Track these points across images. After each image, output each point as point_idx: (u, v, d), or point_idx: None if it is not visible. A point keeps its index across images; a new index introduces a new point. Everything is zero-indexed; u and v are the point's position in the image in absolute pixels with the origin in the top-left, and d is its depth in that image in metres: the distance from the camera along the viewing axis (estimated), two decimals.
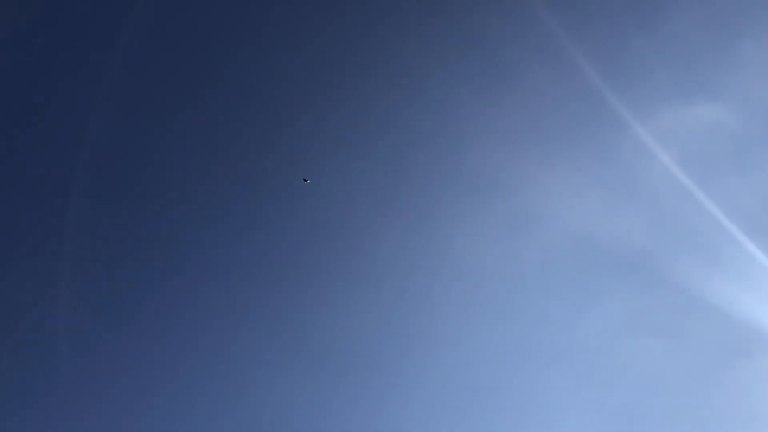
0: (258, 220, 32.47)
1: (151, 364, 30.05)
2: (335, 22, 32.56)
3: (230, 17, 32.01)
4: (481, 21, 32.51)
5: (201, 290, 31.41)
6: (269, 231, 32.53)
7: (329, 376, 30.80)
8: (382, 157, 33.38)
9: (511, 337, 31.86)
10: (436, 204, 33.44)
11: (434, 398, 30.74)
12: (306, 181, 30.36)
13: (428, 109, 33.37)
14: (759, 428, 28.74)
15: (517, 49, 32.63)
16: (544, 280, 32.60)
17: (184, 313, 31.04)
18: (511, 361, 31.61)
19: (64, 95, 30.69)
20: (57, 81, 30.54)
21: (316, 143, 32.85)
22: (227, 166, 32.47)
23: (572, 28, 31.43)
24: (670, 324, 31.18)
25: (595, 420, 30.11)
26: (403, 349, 31.68)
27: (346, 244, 33.13)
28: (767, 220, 30.17)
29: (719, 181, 31.24)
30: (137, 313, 30.64)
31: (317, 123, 32.99)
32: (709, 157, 31.81)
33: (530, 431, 30.35)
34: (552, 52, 32.03)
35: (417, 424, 29.98)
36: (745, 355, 29.82)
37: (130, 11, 30.45)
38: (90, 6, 30.33)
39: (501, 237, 33.10)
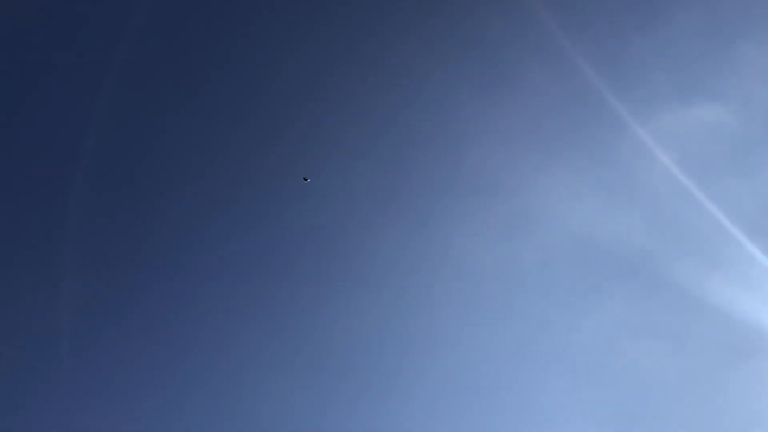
0: (258, 220, 32.58)
1: (150, 365, 30.01)
2: (334, 23, 32.78)
3: (229, 17, 32.21)
4: (480, 21, 32.66)
5: (199, 290, 31.44)
6: (269, 231, 32.63)
7: (328, 377, 30.75)
8: (382, 157, 33.50)
9: (511, 339, 31.84)
10: (436, 205, 33.51)
11: (434, 400, 30.67)
12: (306, 180, 30.32)
13: (428, 110, 33.45)
14: (760, 430, 28.65)
15: (517, 49, 32.81)
16: (544, 281, 32.62)
17: (182, 314, 31.09)
18: (511, 363, 31.59)
19: (66, 96, 30.91)
20: (58, 81, 30.75)
21: (315, 144, 33.00)
22: (227, 166, 32.62)
23: (572, 28, 31.61)
24: (670, 326, 31.12)
25: (595, 422, 29.97)
26: (402, 350, 31.66)
27: (346, 245, 33.17)
28: (767, 221, 30.20)
29: (719, 182, 31.31)
30: (136, 313, 30.64)
31: (316, 123, 33.18)
32: (709, 158, 31.87)
33: None
34: (552, 53, 32.20)
35: (417, 426, 29.88)
36: (746, 357, 29.72)
37: (128, 12, 30.62)
38: (89, 6, 30.50)
39: (501, 238, 33.12)
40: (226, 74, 32.56)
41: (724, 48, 32.07)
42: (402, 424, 29.91)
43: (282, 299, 31.87)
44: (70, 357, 28.92)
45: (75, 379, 28.96)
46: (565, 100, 32.75)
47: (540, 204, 33.06)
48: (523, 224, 33.10)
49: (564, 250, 32.75)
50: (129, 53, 30.88)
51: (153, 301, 30.85)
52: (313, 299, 31.95)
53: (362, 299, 32.14)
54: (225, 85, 32.65)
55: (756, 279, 29.65)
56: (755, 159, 31.71)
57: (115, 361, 29.69)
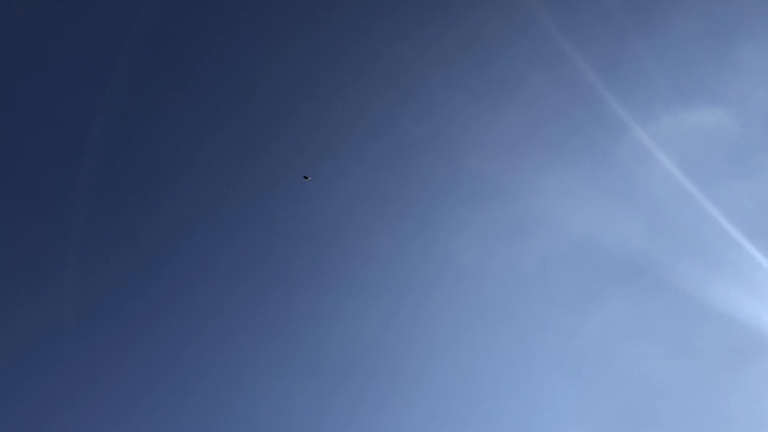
0: (257, 224, 32.53)
1: (150, 368, 29.97)
2: (332, 26, 32.81)
3: (228, 20, 32.22)
4: (479, 23, 32.68)
5: (197, 293, 31.42)
6: (268, 235, 32.58)
7: (328, 381, 30.66)
8: (381, 161, 33.47)
9: (513, 342, 31.84)
10: (436, 208, 33.52)
11: (435, 403, 30.56)
12: (307, 178, 30.29)
13: (426, 113, 33.51)
14: None
15: (517, 52, 32.80)
16: (545, 285, 32.63)
17: (181, 317, 31.00)
18: (512, 366, 31.58)
19: (66, 97, 31.04)
20: (59, 82, 30.84)
21: (313, 147, 32.96)
22: (225, 170, 32.61)
23: (572, 31, 31.59)
24: (671, 329, 31.16)
25: (596, 425, 29.93)
26: (403, 354, 31.60)
27: (346, 249, 33.17)
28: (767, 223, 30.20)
29: (719, 185, 31.42)
30: (134, 315, 30.59)
31: (315, 126, 33.21)
32: (709, 161, 31.90)
33: None
34: (551, 56, 32.23)
35: (417, 429, 29.85)
36: (748, 360, 29.77)
37: (129, 15, 30.79)
38: (89, 8, 30.72)
39: (501, 242, 33.17)
40: (224, 77, 32.68)
41: (724, 51, 32.24)
42: (402, 428, 29.93)
43: (281, 302, 31.92)
44: (70, 357, 29.03)
45: (75, 379, 29.02)
46: (565, 103, 32.87)
47: (540, 207, 33.21)
48: (523, 228, 33.22)
49: (564, 254, 32.89)
50: (130, 55, 31.02)
51: (152, 302, 30.89)
52: (312, 303, 32.03)
53: (362, 303, 32.19)
54: (223, 88, 32.75)
55: (757, 281, 29.68)
56: (755, 161, 31.84)
57: (115, 362, 29.68)
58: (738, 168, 31.73)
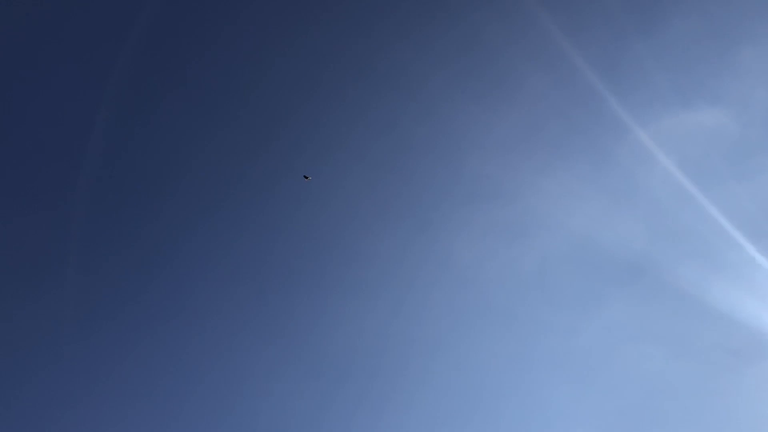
0: (257, 226, 32.51)
1: (150, 369, 29.94)
2: (331, 27, 32.75)
3: (228, 20, 32.14)
4: (479, 23, 32.62)
5: (198, 295, 31.40)
6: (268, 237, 32.54)
7: (328, 382, 30.63)
8: (380, 162, 33.45)
9: (513, 344, 31.82)
10: (436, 210, 33.49)
11: (436, 404, 30.51)
12: (307, 178, 30.27)
13: (425, 113, 33.48)
14: None
15: (517, 52, 32.73)
16: (546, 286, 32.63)
17: (182, 318, 30.96)
18: (513, 368, 31.59)
19: (68, 96, 31.11)
20: (60, 83, 30.82)
21: (313, 148, 32.93)
22: (225, 170, 32.60)
23: (572, 31, 31.59)
24: (672, 329, 31.12)
25: (597, 426, 29.92)
26: (403, 355, 31.61)
27: (346, 250, 33.16)
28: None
29: (720, 185, 31.37)
30: (135, 317, 30.60)
31: (315, 127, 33.18)
32: (710, 161, 31.87)
33: None
34: (551, 56, 32.21)
35: (418, 430, 29.83)
36: (749, 361, 29.73)
37: (129, 16, 30.82)
38: (89, 9, 30.70)
39: (502, 243, 33.14)
40: (224, 78, 32.66)
41: (724, 52, 32.25)
42: (404, 428, 29.91)
43: (281, 303, 31.89)
44: (70, 357, 29.03)
45: (75, 380, 29.00)
46: (565, 103, 32.83)
47: (541, 208, 33.18)
48: (523, 229, 33.20)
49: (565, 255, 32.89)
50: (130, 56, 30.99)
51: (152, 303, 30.87)
52: (313, 304, 32.00)
53: (363, 304, 32.19)
54: (223, 88, 32.75)
55: (758, 282, 29.65)
56: (756, 162, 31.80)
57: (115, 363, 29.66)
58: (738, 168, 31.77)
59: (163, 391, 29.74)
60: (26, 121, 30.28)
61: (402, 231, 33.11)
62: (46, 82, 30.63)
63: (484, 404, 30.63)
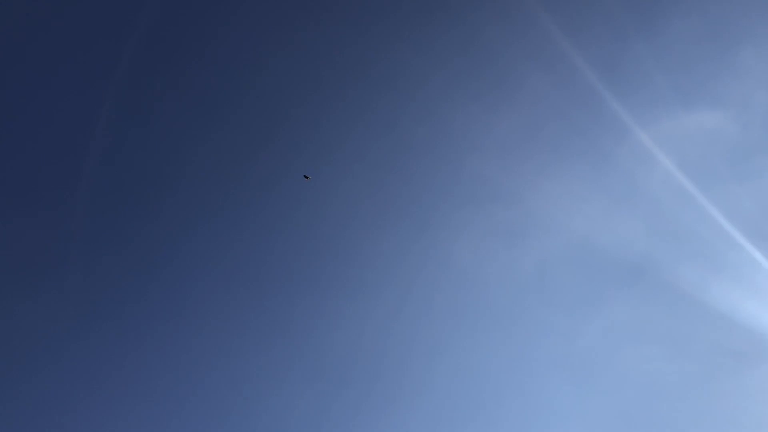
0: (257, 228, 32.45)
1: (150, 370, 29.81)
2: (332, 27, 32.64)
3: (228, 21, 32.06)
4: (478, 23, 32.64)
5: (199, 296, 31.27)
6: (268, 239, 32.45)
7: (328, 383, 30.53)
8: (381, 163, 33.40)
9: (514, 345, 31.80)
10: (436, 212, 33.44)
11: (436, 406, 30.41)
12: (307, 178, 30.27)
13: (424, 114, 33.43)
14: None
15: (516, 52, 32.71)
16: (546, 287, 32.58)
17: (182, 320, 30.85)
18: (513, 369, 31.54)
19: (68, 98, 31.27)
20: (61, 84, 30.86)
21: (313, 149, 32.83)
22: (225, 172, 32.54)
23: (572, 33, 31.56)
24: (672, 330, 31.05)
25: (597, 427, 29.85)
26: (404, 357, 31.51)
27: (346, 252, 33.08)
28: None
29: (720, 186, 31.34)
30: (136, 318, 30.48)
31: (314, 128, 33.09)
32: (710, 162, 31.88)
33: None
34: (552, 58, 32.17)
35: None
36: (750, 362, 29.66)
37: (128, 19, 30.87)
38: (90, 9, 30.81)
39: (502, 244, 33.10)
40: (223, 79, 32.62)
41: (725, 53, 32.24)
42: (404, 429, 29.85)
43: (281, 305, 31.79)
44: (71, 359, 29.05)
45: (75, 382, 28.95)
46: (566, 104, 32.79)
47: (541, 209, 33.12)
48: (524, 230, 33.16)
49: (565, 256, 32.84)
50: (130, 57, 30.95)
51: (152, 305, 30.71)
52: (313, 306, 31.88)
53: (363, 306, 32.15)
54: (222, 89, 32.72)
55: (758, 283, 29.60)
56: (756, 163, 31.75)
57: (116, 365, 29.53)
58: (739, 170, 31.75)
59: (163, 392, 29.62)
60: (27, 123, 30.23)
61: (402, 232, 33.10)
62: (47, 83, 30.62)
63: (484, 405, 30.58)
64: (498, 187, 33.19)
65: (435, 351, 31.63)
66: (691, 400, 29.65)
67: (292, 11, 32.21)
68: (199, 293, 31.40)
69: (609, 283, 32.39)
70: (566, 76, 32.25)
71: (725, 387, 29.55)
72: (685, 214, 31.23)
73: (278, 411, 29.78)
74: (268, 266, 32.32)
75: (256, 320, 31.52)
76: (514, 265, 32.76)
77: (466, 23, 32.61)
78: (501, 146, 33.45)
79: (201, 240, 31.93)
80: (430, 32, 32.76)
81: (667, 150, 31.39)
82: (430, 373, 31.21)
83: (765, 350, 29.09)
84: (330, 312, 31.88)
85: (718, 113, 31.97)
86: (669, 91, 32.22)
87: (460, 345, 31.64)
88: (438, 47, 32.97)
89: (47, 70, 30.36)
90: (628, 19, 32.35)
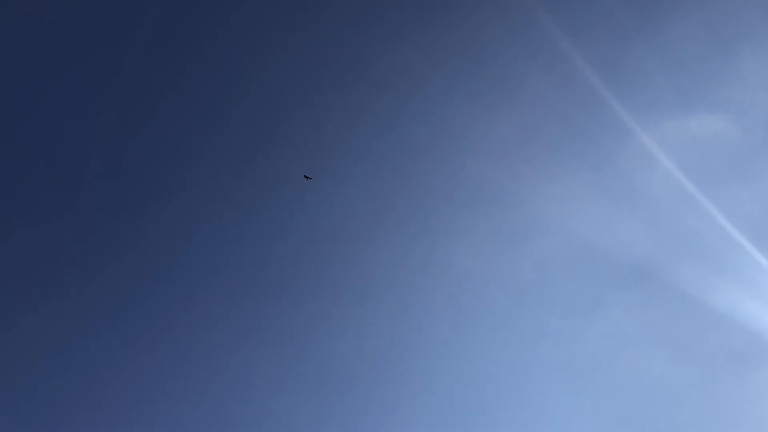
0: (256, 233, 32.16)
1: (151, 376, 29.50)
2: (331, 28, 32.43)
3: (227, 22, 31.76)
4: (478, 23, 32.46)
5: (200, 303, 30.93)
6: (267, 244, 32.17)
7: (330, 389, 30.26)
8: (380, 165, 33.16)
9: (516, 349, 31.58)
10: (436, 215, 33.20)
11: (438, 410, 30.21)
12: (308, 178, 30.08)
13: (424, 116, 33.17)
14: None
15: (517, 54, 32.57)
16: (547, 291, 32.41)
17: (183, 326, 30.53)
18: (515, 373, 31.28)
19: (69, 100, 31.10)
20: (61, 84, 30.76)
21: (312, 152, 32.55)
22: (223, 178, 32.25)
23: (573, 34, 31.45)
24: (674, 333, 30.96)
25: (599, 431, 29.65)
26: (405, 362, 31.24)
27: (345, 256, 32.79)
28: None
29: (722, 188, 31.28)
30: (137, 323, 30.20)
31: (313, 131, 32.81)
32: (711, 164, 31.86)
33: None
34: (552, 59, 32.02)
35: None
36: (752, 363, 29.60)
37: (129, 21, 30.73)
38: (90, 9, 30.64)
39: (503, 248, 32.88)
40: (222, 81, 32.34)
41: (726, 54, 32.17)
42: None
43: (282, 310, 31.48)
44: (71, 362, 28.80)
45: (75, 385, 28.72)
46: (566, 105, 32.65)
47: (541, 212, 32.96)
48: (524, 233, 32.96)
49: (567, 259, 32.67)
50: (131, 59, 30.82)
51: (152, 310, 30.41)
52: (314, 311, 31.60)
53: (363, 310, 31.83)
54: (220, 92, 32.44)
55: (761, 285, 29.51)
56: (758, 165, 31.75)
57: (116, 371, 29.23)
58: (741, 172, 31.75)
59: (166, 398, 29.30)
60: (29, 127, 30.06)
61: (402, 235, 32.84)
62: (48, 87, 30.55)
63: (486, 410, 30.40)
64: (498, 189, 33.09)
65: (436, 355, 31.42)
66: (694, 402, 29.60)
67: (292, 12, 32.04)
68: (200, 299, 31.14)
69: (610, 285, 32.32)
70: (567, 76, 32.22)
71: (728, 389, 29.57)
72: (686, 216, 31.22)
73: (280, 416, 29.51)
74: (268, 272, 32.07)
75: (258, 325, 31.28)
76: (514, 267, 32.63)
77: (466, 23, 32.47)
78: (501, 148, 33.36)
79: (200, 246, 31.70)
80: (430, 32, 32.62)
81: (669, 151, 31.43)
82: (431, 377, 31.01)
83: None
84: (331, 316, 31.67)
85: (720, 114, 32.04)
86: (670, 92, 32.24)
87: (461, 349, 31.47)
88: (438, 47, 32.84)
89: (48, 74, 30.23)
90: (629, 19, 32.40)
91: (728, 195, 30.88)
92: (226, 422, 29.00)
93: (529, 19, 31.63)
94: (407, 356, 31.27)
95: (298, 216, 32.16)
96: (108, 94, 30.75)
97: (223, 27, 31.84)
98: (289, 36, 32.26)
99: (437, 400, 30.47)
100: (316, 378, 30.38)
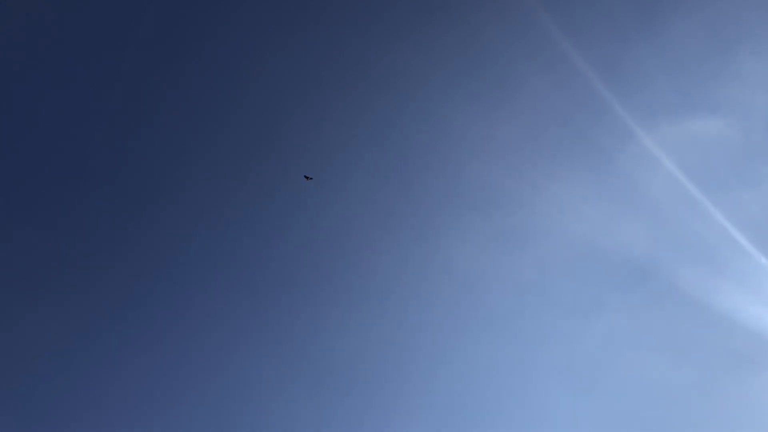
0: (256, 236, 32.11)
1: (152, 379, 29.50)
2: (330, 29, 32.42)
3: (226, 24, 31.82)
4: (478, 24, 32.41)
5: (198, 305, 30.88)
6: (267, 246, 32.13)
7: (330, 392, 30.14)
8: (379, 168, 33.07)
9: (517, 352, 31.42)
10: (437, 218, 33.15)
11: (438, 413, 30.03)
12: (308, 178, 30.06)
13: (424, 118, 33.11)
14: None
15: (517, 55, 32.47)
16: (548, 293, 32.27)
17: (182, 328, 30.48)
18: (516, 376, 31.13)
19: (69, 101, 31.18)
20: (61, 84, 30.89)
21: (311, 155, 32.53)
22: (224, 177, 32.26)
23: (574, 36, 31.39)
24: (675, 336, 30.75)
25: None
26: (405, 365, 31.12)
27: (346, 260, 32.68)
28: None
29: (723, 190, 31.16)
30: (137, 324, 30.16)
31: (312, 133, 32.78)
32: (713, 166, 31.75)
33: None
34: (553, 60, 31.95)
35: None
36: (755, 366, 29.41)
37: (129, 22, 30.79)
38: (90, 10, 30.74)
39: (503, 251, 32.79)
40: (220, 83, 32.36)
41: (728, 55, 32.06)
42: None
43: (282, 313, 31.44)
44: (71, 364, 28.82)
45: (75, 387, 28.75)
46: (567, 106, 32.59)
47: (542, 214, 32.87)
48: (525, 236, 32.88)
49: (568, 261, 32.56)
50: (131, 60, 30.92)
51: (152, 313, 30.34)
52: (315, 314, 31.54)
53: (364, 314, 31.83)
54: (218, 94, 32.49)
55: (763, 287, 29.44)
56: (760, 166, 31.62)
57: (115, 372, 29.17)
58: (742, 173, 31.63)
59: (166, 400, 29.23)
60: (29, 127, 30.21)
61: (403, 237, 32.78)
62: (49, 87, 30.65)
63: (487, 412, 30.26)
64: (499, 191, 33.01)
65: (437, 356, 31.32)
66: (695, 404, 29.44)
67: (291, 12, 32.08)
68: (199, 302, 31.11)
69: (611, 287, 32.17)
70: (567, 77, 32.16)
71: (729, 391, 29.39)
72: (688, 218, 31.09)
73: (281, 417, 29.46)
74: (269, 272, 32.04)
75: (259, 327, 31.19)
76: (515, 269, 32.54)
77: (466, 23, 32.41)
78: (501, 149, 33.28)
79: (200, 249, 31.66)
80: (430, 32, 32.58)
81: (669, 152, 31.29)
82: (432, 379, 30.92)
83: None
84: (332, 318, 31.62)
85: (721, 115, 31.90)
86: (671, 93, 32.17)
87: (462, 350, 31.35)
88: (438, 48, 32.80)
89: (49, 75, 30.36)
90: (629, 20, 32.36)
91: (729, 196, 30.86)
92: (227, 424, 28.98)
93: (529, 19, 31.61)
94: (408, 358, 31.23)
95: (299, 218, 32.18)
96: (108, 94, 30.86)
97: (223, 27, 31.94)
98: (288, 36, 32.32)
99: (438, 402, 30.41)
100: (317, 380, 30.36)
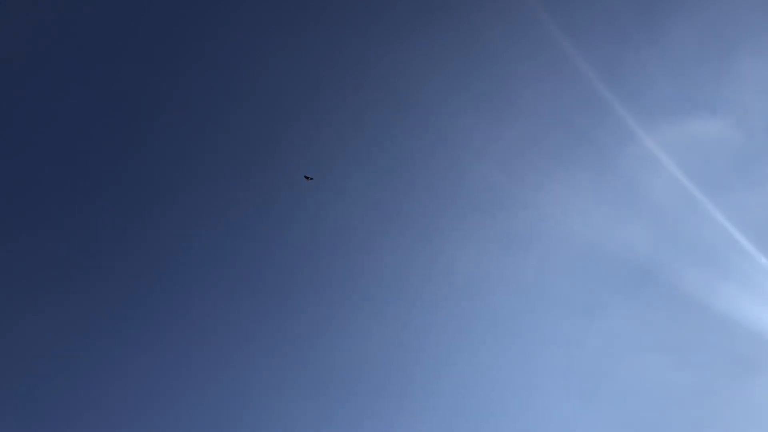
0: (256, 239, 32.09)
1: (152, 380, 29.44)
2: (329, 29, 32.48)
3: (225, 25, 31.88)
4: (478, 24, 32.44)
5: (198, 308, 30.82)
6: (268, 249, 32.11)
7: (331, 396, 30.07)
8: (380, 171, 33.12)
9: (519, 354, 31.34)
10: (439, 221, 33.08)
11: (440, 416, 29.90)
12: (309, 178, 30.04)
13: (424, 119, 33.08)
14: None
15: (517, 56, 32.54)
16: (550, 295, 32.19)
17: (182, 331, 30.44)
18: (518, 378, 31.06)
19: (69, 101, 31.20)
20: (61, 84, 30.92)
21: (312, 157, 32.44)
22: (225, 178, 32.28)
23: (575, 37, 31.39)
24: (678, 338, 30.65)
25: None
26: (407, 368, 31.06)
27: (347, 263, 32.65)
28: None
29: (725, 192, 31.09)
30: (136, 325, 30.15)
31: (312, 135, 32.76)
32: (715, 168, 31.71)
33: None
34: (552, 59, 31.96)
35: None
36: (757, 368, 29.29)
37: (129, 23, 30.91)
38: (90, 10, 30.82)
39: (505, 253, 32.74)
40: (219, 84, 32.41)
41: (726, 55, 32.07)
42: None
43: (283, 315, 31.37)
44: (71, 366, 28.78)
45: (75, 388, 28.75)
46: (568, 108, 32.63)
47: (543, 217, 32.80)
48: (527, 238, 32.85)
49: (569, 263, 32.48)
50: (131, 61, 31.06)
51: (152, 314, 30.29)
52: (315, 315, 31.44)
53: (365, 315, 31.72)
54: (218, 96, 32.53)
55: (765, 288, 29.23)
56: (762, 168, 31.57)
57: (114, 374, 29.11)
58: (744, 174, 31.60)
59: (166, 401, 29.16)
60: (29, 127, 30.22)
61: (405, 239, 32.71)
62: (49, 88, 30.71)
63: (489, 414, 30.14)
64: (500, 193, 32.97)
65: (439, 358, 31.27)
66: (698, 406, 29.24)
67: (291, 12, 32.11)
68: (199, 305, 31.04)
69: (613, 289, 32.12)
70: (567, 78, 32.18)
71: (732, 393, 29.20)
72: (689, 220, 31.08)
73: (282, 419, 29.34)
74: (270, 275, 32.00)
75: (260, 329, 31.16)
76: (517, 271, 32.49)
77: (466, 24, 32.46)
78: (503, 151, 33.25)
79: (200, 252, 31.67)
80: (430, 33, 32.58)
81: (671, 154, 31.23)
82: (434, 382, 30.84)
83: None
84: (334, 321, 31.57)
85: (723, 117, 31.90)
86: (671, 94, 32.23)
87: (464, 353, 31.28)
88: (438, 48, 32.80)
89: (50, 75, 30.41)
90: (630, 21, 32.34)
91: (731, 197, 30.78)
92: (229, 426, 28.89)
93: (530, 20, 31.63)
94: (411, 359, 31.19)
95: (301, 219, 32.14)
96: (108, 95, 30.90)
97: (223, 28, 31.97)
98: (289, 37, 32.37)
99: (441, 404, 30.31)
100: (318, 382, 30.28)
